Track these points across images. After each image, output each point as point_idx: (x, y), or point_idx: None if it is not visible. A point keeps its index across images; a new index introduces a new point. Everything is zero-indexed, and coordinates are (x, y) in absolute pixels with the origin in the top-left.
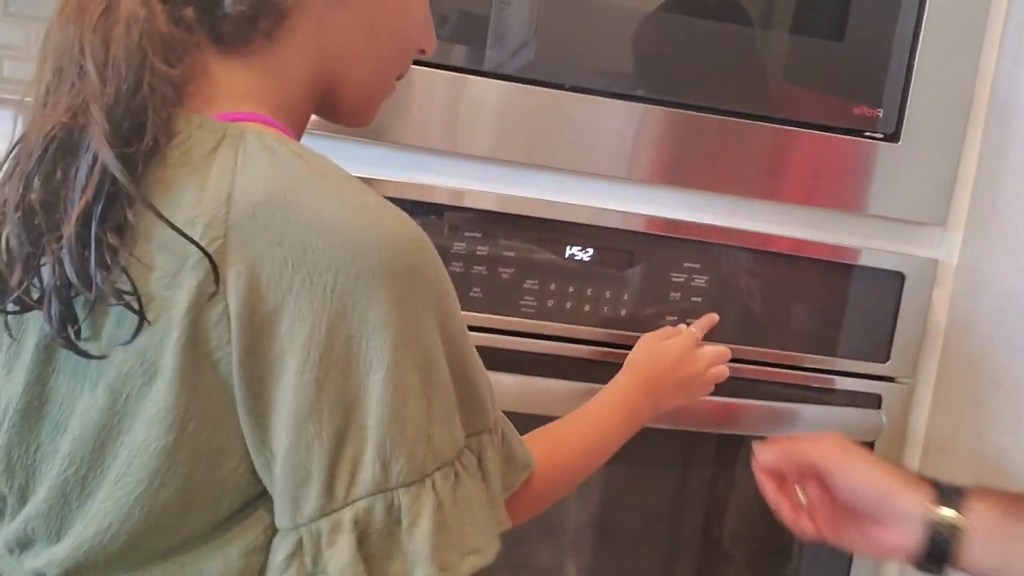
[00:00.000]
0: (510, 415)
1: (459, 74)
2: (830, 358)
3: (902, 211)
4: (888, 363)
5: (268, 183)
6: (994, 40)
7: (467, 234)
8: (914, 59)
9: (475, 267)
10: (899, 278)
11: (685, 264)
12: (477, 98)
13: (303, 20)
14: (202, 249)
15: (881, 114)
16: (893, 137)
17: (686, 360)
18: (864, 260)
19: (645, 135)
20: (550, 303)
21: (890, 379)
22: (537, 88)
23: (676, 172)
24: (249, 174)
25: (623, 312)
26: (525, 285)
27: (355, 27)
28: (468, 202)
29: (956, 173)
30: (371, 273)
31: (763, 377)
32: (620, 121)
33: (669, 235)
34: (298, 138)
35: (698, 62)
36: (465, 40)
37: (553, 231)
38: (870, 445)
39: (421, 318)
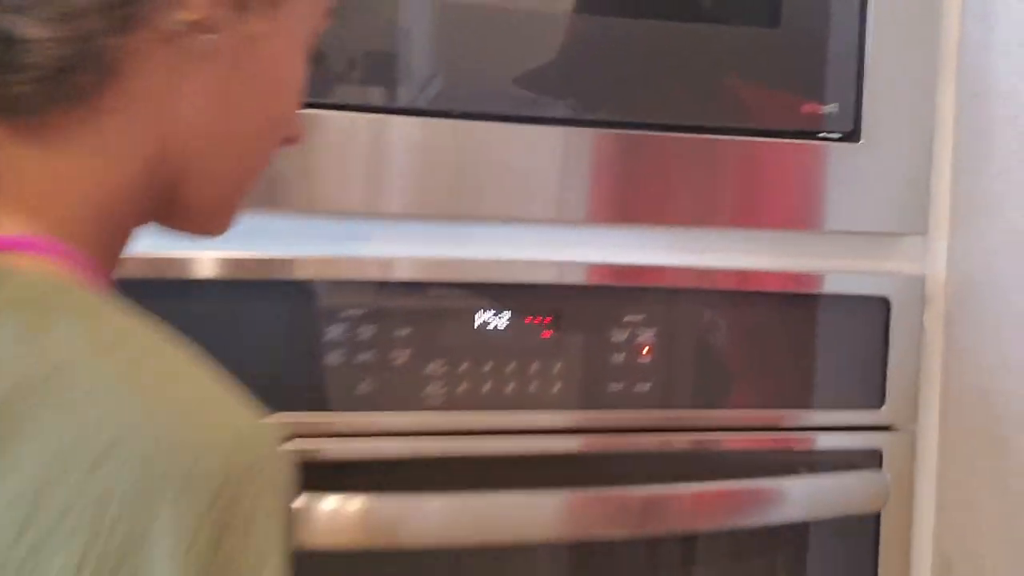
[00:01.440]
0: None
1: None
2: (812, 411)
3: (872, 222)
4: (884, 408)
5: (17, 366)
6: (954, 1)
7: (347, 313)
8: (864, 40)
9: (359, 354)
10: (882, 303)
11: (626, 318)
12: (385, 147)
13: (143, 79)
14: None
15: (835, 110)
16: (852, 136)
17: None
18: (836, 286)
19: (571, 164)
20: (461, 388)
21: (887, 428)
22: (448, 122)
23: (610, 206)
24: None
25: (556, 388)
26: (427, 370)
27: (216, 94)
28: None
29: (930, 169)
30: (164, 500)
31: (734, 446)
32: (543, 150)
33: (601, 283)
34: (112, 267)
35: (620, 68)
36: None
37: (461, 296)
38: (875, 519)
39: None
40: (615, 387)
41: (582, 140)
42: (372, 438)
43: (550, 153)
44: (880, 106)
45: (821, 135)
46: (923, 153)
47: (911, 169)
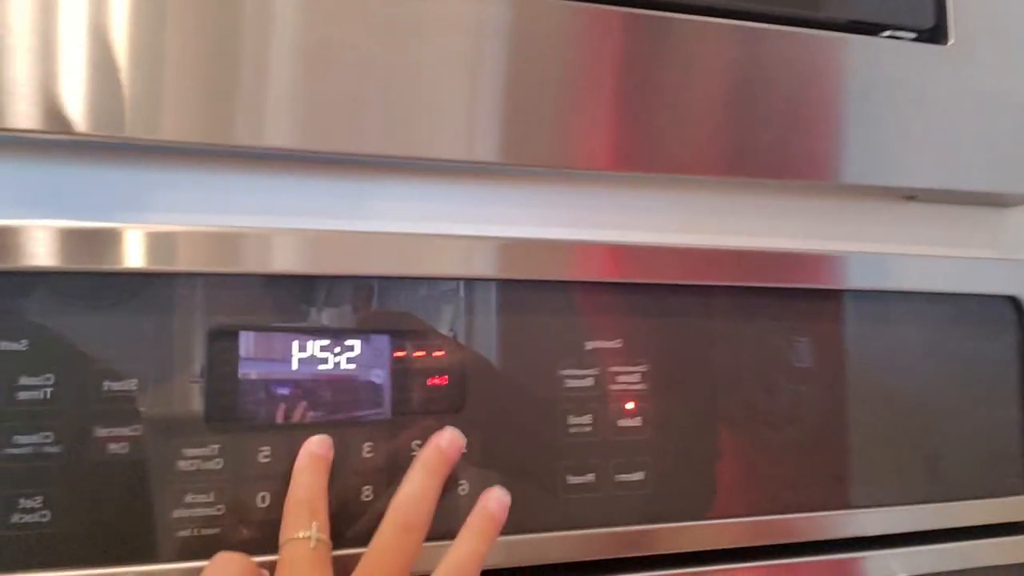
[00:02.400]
0: None
1: None
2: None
3: (973, 178)
4: None
5: None
6: None
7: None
8: None
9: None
10: (1008, 306)
11: (588, 345)
12: None
13: None
14: None
15: None
16: (935, 35)
17: None
18: (925, 281)
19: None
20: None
21: None
22: None
23: (554, 146)
24: None
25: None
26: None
27: None
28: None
29: None
30: None
31: None
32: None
33: (543, 279)
34: None
35: None
36: None
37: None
38: None
39: None
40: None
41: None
42: None
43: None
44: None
45: (888, 33)
46: None
47: None
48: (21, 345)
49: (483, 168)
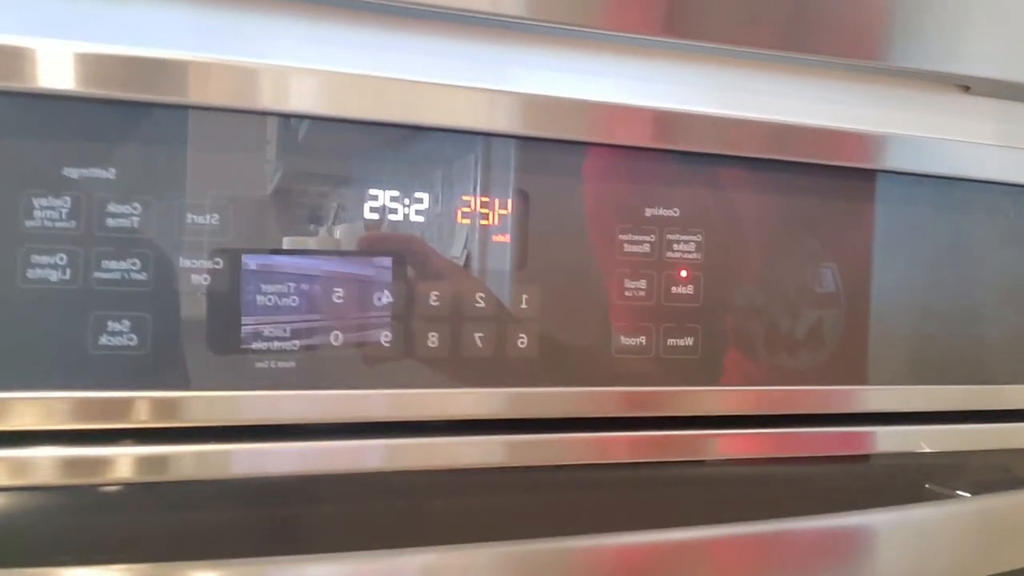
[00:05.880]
0: None
1: None
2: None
3: None
4: None
5: None
6: None
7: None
8: None
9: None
10: None
11: (648, 211)
12: None
13: None
14: None
15: None
16: None
17: None
18: (978, 168)
19: None
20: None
21: None
22: None
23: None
24: None
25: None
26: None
27: None
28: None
29: None
30: None
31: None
32: None
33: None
34: None
35: None
36: None
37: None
38: None
39: None
40: (625, 341)
41: None
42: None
43: None
44: None
45: None
46: None
47: None
48: (110, 173)
49: (508, 23)
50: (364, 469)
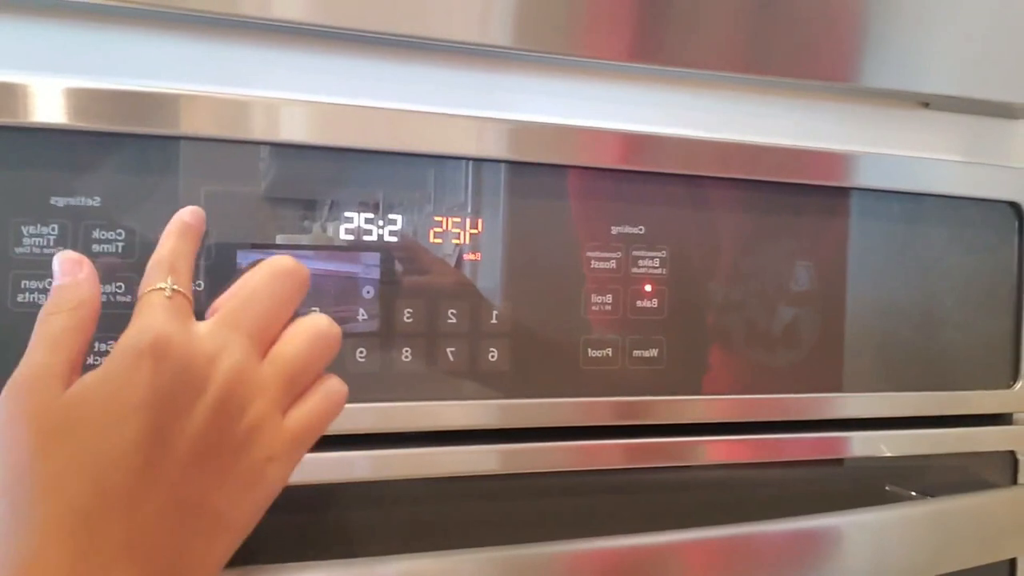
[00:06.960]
0: None
1: None
2: (903, 396)
3: (999, 88)
4: (1020, 386)
5: None
6: None
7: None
8: None
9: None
10: (1009, 211)
11: (614, 229)
12: None
13: None
14: None
15: None
16: None
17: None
18: (938, 183)
19: None
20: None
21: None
22: None
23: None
24: None
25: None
26: None
27: None
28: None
29: None
30: None
31: (785, 451)
32: None
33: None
34: None
35: None
36: None
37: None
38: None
39: None
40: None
41: None
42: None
43: None
44: None
45: None
46: None
47: None
48: (95, 201)
49: (496, 53)
50: (352, 479)
